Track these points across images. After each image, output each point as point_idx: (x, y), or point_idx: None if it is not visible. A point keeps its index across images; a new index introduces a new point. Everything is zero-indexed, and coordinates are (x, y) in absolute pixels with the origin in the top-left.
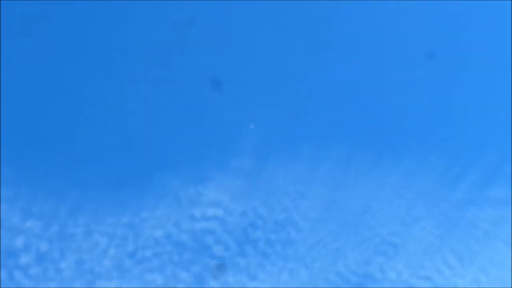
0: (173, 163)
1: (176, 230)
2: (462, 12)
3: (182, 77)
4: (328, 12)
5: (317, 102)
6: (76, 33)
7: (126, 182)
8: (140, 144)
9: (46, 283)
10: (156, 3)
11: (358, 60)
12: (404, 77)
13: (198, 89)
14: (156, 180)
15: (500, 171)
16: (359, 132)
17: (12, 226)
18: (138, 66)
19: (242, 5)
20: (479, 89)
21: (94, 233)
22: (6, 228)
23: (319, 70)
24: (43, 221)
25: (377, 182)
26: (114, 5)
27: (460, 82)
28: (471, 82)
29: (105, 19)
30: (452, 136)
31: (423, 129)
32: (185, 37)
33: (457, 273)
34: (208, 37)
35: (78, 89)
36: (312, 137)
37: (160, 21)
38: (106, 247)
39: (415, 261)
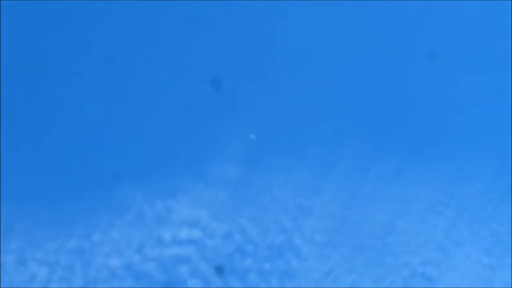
0: (135, 170)
1: (139, 258)
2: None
3: (156, 73)
4: (329, 12)
5: (325, 95)
6: (75, 33)
7: (74, 194)
8: (94, 147)
9: None
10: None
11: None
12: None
13: (172, 84)
14: (113, 192)
15: None
16: (379, 131)
17: None
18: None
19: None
20: None
21: (29, 262)
22: None
23: (321, 68)
24: None
25: (404, 194)
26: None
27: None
28: None
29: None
30: (502, 137)
31: (464, 128)
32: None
33: None
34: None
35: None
36: (319, 136)
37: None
38: (46, 280)
39: None
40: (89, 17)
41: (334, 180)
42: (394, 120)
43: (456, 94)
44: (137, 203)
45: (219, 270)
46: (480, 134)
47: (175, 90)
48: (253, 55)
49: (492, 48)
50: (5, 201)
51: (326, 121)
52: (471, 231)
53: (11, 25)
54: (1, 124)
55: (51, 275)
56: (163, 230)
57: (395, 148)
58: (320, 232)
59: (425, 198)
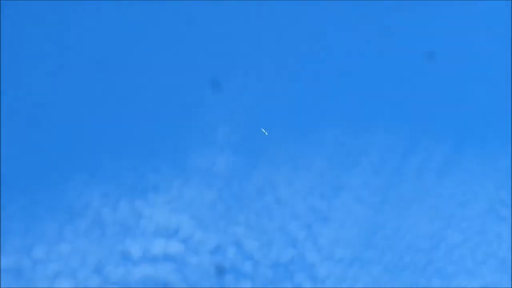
0: (91, 163)
1: (98, 281)
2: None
3: (128, 60)
4: (329, 12)
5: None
6: (74, 33)
7: (10, 195)
8: (37, 138)
9: None
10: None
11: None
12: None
13: (146, 72)
14: (62, 191)
15: None
16: (422, 114)
17: None
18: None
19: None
20: None
21: None
22: None
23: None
24: None
25: (456, 194)
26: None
27: None
28: None
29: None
30: None
31: None
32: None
33: None
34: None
35: None
36: (339, 119)
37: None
38: None
39: None
40: (89, 17)
41: (359, 174)
42: (442, 103)
43: None
44: (93, 205)
45: (220, 271)
46: None
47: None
48: (254, 53)
49: None
50: None
51: (348, 101)
52: None
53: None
54: None
55: None
56: (130, 242)
57: (443, 136)
58: (342, 245)
59: (484, 199)
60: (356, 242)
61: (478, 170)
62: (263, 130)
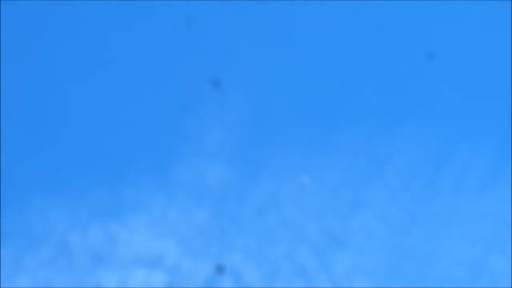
0: (55, 176)
1: None
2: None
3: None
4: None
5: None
6: (75, 33)
7: None
8: None
9: None
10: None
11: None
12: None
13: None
14: (19, 211)
15: None
16: (457, 114)
17: None
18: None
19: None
20: None
21: None
22: None
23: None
24: None
25: (502, 210)
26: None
27: None
28: None
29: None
30: None
31: None
32: None
33: None
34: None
35: None
36: (356, 123)
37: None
38: None
39: None
40: (89, 16)
41: (383, 189)
42: (484, 100)
43: None
44: (58, 229)
45: (220, 270)
46: None
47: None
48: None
49: None
50: None
51: (368, 99)
52: None
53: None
54: None
55: None
56: (103, 273)
57: (486, 141)
58: (362, 274)
59: None
60: (379, 271)
61: None
62: (304, 179)
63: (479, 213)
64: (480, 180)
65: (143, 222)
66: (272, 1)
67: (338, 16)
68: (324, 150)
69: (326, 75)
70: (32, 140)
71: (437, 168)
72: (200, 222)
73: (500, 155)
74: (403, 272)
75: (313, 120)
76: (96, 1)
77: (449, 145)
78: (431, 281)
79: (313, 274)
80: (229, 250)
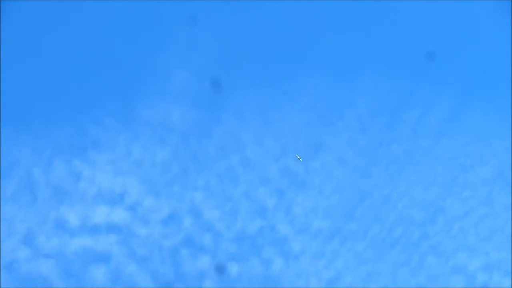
0: (19, 112)
1: (28, 253)
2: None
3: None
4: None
5: None
6: (79, 34)
7: None
8: None
9: None
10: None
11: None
12: None
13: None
14: None
15: None
16: (418, 59)
17: None
18: None
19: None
20: None
21: None
22: None
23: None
24: None
25: (459, 154)
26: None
27: None
28: None
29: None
30: None
31: None
32: None
33: None
34: None
35: None
36: (319, 65)
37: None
38: None
39: None
40: (91, 17)
41: (343, 131)
42: (444, 45)
43: None
44: (23, 164)
45: (220, 269)
46: None
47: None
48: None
49: None
50: None
51: (331, 42)
52: None
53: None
54: None
55: None
56: (66, 208)
57: (444, 87)
58: (320, 215)
59: (491, 162)
60: (337, 212)
61: (485, 128)
62: (297, 156)
63: (436, 158)
64: (438, 126)
65: (106, 159)
66: (273, 2)
67: (340, 15)
68: (286, 93)
69: (292, 21)
70: None
71: (397, 113)
72: (162, 160)
73: (458, 102)
74: (360, 213)
75: (277, 64)
76: (99, 1)
77: (409, 91)
78: (388, 222)
79: (272, 213)
80: (190, 188)
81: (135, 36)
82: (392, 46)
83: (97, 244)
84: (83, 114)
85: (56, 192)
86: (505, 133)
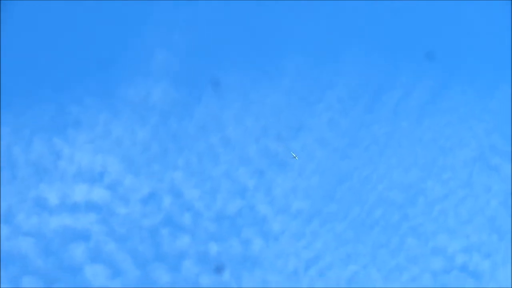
0: (2, 93)
1: (7, 231)
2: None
3: None
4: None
5: None
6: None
7: None
8: None
9: None
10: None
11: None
12: None
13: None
14: None
15: None
16: (399, 40)
17: None
18: None
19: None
20: None
21: None
22: None
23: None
24: None
25: (439, 136)
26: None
27: None
28: None
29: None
30: None
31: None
32: None
33: None
34: None
35: None
36: (300, 47)
37: None
38: None
39: None
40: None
41: (323, 112)
42: (425, 27)
43: None
44: (2, 142)
45: (219, 269)
46: None
47: None
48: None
49: None
50: None
51: (312, 23)
52: None
53: None
54: None
55: None
56: (45, 187)
57: (425, 69)
58: (300, 196)
59: (472, 145)
60: (317, 193)
61: (466, 110)
62: (293, 154)
63: (416, 140)
64: (418, 108)
65: (86, 138)
66: (273, 2)
67: (340, 15)
68: (267, 73)
69: (273, 3)
70: None
71: (377, 95)
72: (142, 140)
73: (439, 84)
74: (340, 195)
75: (258, 44)
76: (99, 0)
77: (390, 73)
78: (368, 203)
79: (252, 194)
80: (171, 168)
81: (116, 15)
82: (373, 28)
83: (76, 222)
84: (64, 92)
85: (36, 171)
86: (485, 115)
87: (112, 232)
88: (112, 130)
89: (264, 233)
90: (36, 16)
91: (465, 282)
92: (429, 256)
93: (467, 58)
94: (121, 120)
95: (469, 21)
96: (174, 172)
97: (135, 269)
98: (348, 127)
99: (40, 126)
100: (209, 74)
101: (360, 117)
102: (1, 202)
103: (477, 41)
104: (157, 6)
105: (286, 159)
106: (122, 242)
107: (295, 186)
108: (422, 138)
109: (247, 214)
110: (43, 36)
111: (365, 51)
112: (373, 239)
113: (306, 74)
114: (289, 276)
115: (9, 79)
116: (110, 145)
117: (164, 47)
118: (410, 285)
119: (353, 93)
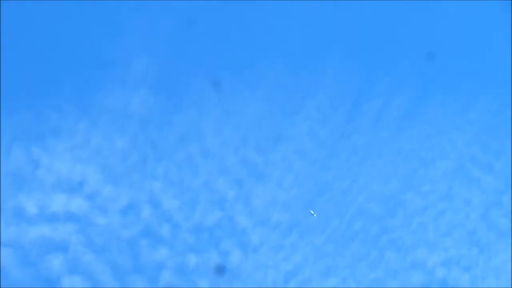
0: None
1: None
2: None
3: None
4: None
5: None
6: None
7: None
8: None
9: None
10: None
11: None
12: None
13: None
14: None
15: None
16: (378, 50)
17: None
18: None
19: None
20: None
21: None
22: None
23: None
24: None
25: (420, 149)
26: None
27: None
28: None
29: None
30: None
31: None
32: None
33: None
34: None
35: None
36: (279, 56)
37: None
38: None
39: None
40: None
41: (303, 122)
42: (405, 38)
43: None
44: None
45: (220, 270)
46: None
47: None
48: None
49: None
50: None
51: (292, 32)
52: None
53: None
54: None
55: None
56: (24, 197)
57: (405, 79)
58: (279, 207)
59: (452, 157)
60: (296, 205)
61: (446, 121)
62: (312, 211)
63: (396, 150)
64: (398, 118)
65: (65, 147)
66: (271, 2)
67: (339, 15)
68: (247, 82)
69: (252, 10)
70: None
71: (357, 105)
72: (121, 149)
73: (419, 95)
74: (320, 206)
75: (237, 53)
76: (100, 0)
77: (370, 82)
78: (347, 216)
79: (231, 205)
80: (149, 178)
81: (94, 22)
82: (352, 37)
83: (55, 233)
84: (42, 100)
85: (14, 180)
86: (465, 127)
87: (90, 243)
88: (91, 138)
89: (242, 245)
90: (9, 22)
91: None
92: (408, 269)
93: (448, 69)
94: (100, 129)
95: (450, 32)
96: (153, 182)
97: (114, 281)
98: (327, 137)
99: (18, 134)
100: (188, 83)
101: (340, 127)
102: None
103: (458, 52)
104: (136, 13)
105: (265, 170)
106: (100, 253)
107: (274, 197)
108: (402, 148)
109: (226, 226)
110: (19, 42)
111: (345, 60)
112: (352, 252)
113: (285, 83)
114: None
115: None
116: (89, 154)
117: (143, 55)
118: None
119: (333, 102)
